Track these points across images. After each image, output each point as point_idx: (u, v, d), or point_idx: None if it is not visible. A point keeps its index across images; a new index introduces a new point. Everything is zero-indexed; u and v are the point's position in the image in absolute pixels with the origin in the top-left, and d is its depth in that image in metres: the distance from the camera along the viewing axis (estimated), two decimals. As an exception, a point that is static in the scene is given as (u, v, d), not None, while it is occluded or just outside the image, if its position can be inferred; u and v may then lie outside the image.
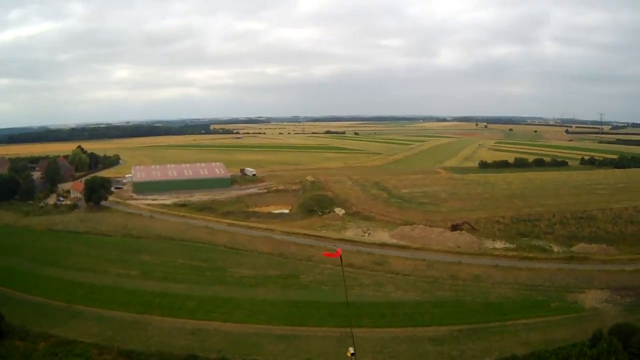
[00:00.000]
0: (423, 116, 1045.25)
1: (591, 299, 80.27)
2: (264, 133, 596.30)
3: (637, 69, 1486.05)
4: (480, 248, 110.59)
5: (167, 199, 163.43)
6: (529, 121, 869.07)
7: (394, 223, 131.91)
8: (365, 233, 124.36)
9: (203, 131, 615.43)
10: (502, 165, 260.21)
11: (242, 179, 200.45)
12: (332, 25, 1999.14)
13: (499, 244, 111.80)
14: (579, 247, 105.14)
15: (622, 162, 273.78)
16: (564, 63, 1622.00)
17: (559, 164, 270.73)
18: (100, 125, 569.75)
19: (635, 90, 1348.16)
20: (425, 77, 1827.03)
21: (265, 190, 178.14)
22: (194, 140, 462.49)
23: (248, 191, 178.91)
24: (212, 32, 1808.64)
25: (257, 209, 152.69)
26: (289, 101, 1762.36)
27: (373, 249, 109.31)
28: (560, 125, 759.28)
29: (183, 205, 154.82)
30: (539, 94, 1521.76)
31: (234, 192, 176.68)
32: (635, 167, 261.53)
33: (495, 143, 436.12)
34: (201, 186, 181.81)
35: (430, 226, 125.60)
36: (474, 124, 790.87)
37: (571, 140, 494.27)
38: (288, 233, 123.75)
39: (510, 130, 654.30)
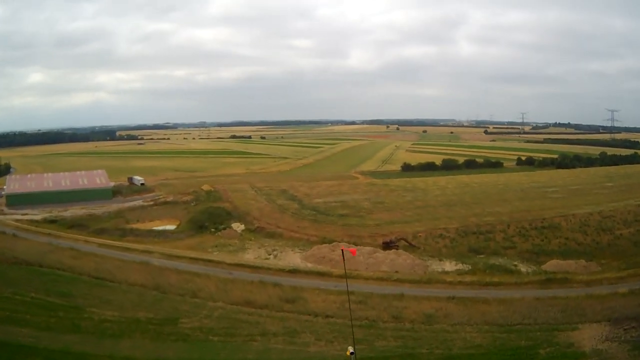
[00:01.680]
0: (331, 120, 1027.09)
1: (589, 337, 55.65)
2: (168, 138, 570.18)
3: (558, 68, 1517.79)
4: (425, 273, 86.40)
5: (38, 214, 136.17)
6: (441, 123, 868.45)
7: (307, 241, 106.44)
8: (270, 255, 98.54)
9: (108, 138, 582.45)
10: (428, 168, 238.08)
11: (128, 190, 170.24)
12: (241, 25, 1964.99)
13: (449, 266, 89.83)
14: (552, 265, 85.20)
15: (565, 162, 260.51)
16: (480, 63, 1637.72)
17: (493, 165, 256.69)
18: (9, 133, 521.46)
19: (556, 90, 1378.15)
20: (335, 79, 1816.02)
21: (152, 203, 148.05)
22: (96, 147, 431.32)
23: (131, 204, 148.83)
24: (121, 33, 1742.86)
25: (136, 226, 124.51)
26: (197, 107, 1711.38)
27: (281, 278, 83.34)
28: (475, 127, 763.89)
29: (53, 221, 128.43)
30: (452, 95, 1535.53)
31: (114, 205, 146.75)
32: (580, 166, 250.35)
33: (413, 144, 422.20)
34: (79, 198, 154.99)
35: (356, 244, 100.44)
36: (385, 126, 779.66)
37: (494, 141, 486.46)
38: (170, 256, 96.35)
39: (424, 132, 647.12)
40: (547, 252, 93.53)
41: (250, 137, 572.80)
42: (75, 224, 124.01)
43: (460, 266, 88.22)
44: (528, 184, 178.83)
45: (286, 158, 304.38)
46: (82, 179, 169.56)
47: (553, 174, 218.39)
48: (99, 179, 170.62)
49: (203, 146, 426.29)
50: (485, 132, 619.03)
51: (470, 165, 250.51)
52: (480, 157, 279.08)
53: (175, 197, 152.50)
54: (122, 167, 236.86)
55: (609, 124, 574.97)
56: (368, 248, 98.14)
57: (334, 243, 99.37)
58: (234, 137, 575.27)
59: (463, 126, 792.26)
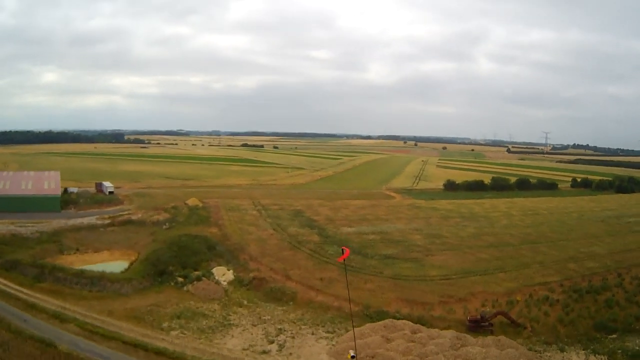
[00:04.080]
0: (347, 134, 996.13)
1: None
2: (176, 144, 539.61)
3: (575, 91, 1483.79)
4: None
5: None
6: (458, 141, 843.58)
7: (339, 312, 63.58)
8: (272, 343, 55.11)
9: (114, 140, 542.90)
10: (476, 187, 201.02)
11: (87, 199, 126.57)
12: (260, 33, 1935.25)
13: (578, 361, 55.96)
14: None
15: (624, 185, 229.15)
16: (497, 82, 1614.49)
17: (548, 186, 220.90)
18: (11, 131, 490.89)
19: (571, 113, 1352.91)
20: (352, 92, 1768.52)
21: (108, 221, 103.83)
22: (95, 148, 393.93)
23: (79, 220, 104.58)
24: (138, 34, 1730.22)
25: (70, 259, 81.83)
26: (211, 115, 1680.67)
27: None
28: (494, 145, 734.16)
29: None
30: (468, 114, 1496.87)
31: (55, 222, 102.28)
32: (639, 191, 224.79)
33: (440, 160, 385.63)
34: (19, 207, 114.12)
35: (423, 322, 58.82)
36: (402, 142, 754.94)
37: (522, 160, 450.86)
38: (92, 334, 55.36)
39: (444, 148, 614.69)
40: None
41: (262, 146, 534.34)
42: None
43: (594, 360, 56.19)
44: (602, 212, 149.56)
45: (301, 169, 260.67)
46: (27, 183, 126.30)
47: (618, 200, 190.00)
48: (48, 183, 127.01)
49: (210, 152, 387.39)
50: (508, 151, 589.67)
51: (523, 185, 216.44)
52: (513, 175, 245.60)
53: (144, 215, 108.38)
54: (106, 170, 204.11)
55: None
56: (448, 334, 53.66)
57: (388, 321, 54.66)
58: (245, 145, 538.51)
59: (480, 144, 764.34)
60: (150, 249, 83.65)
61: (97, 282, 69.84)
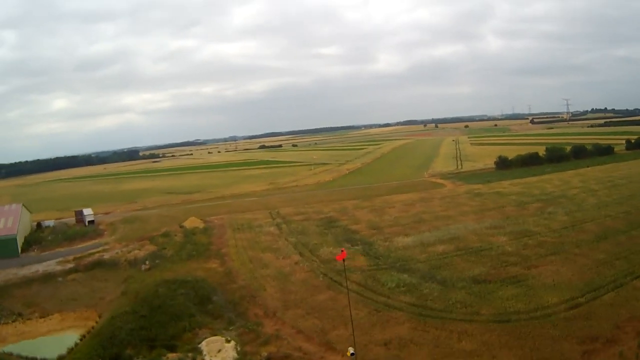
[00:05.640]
0: (364, 124, 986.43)
1: None
2: (191, 154, 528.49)
3: (585, 57, 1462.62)
4: None
5: None
6: (477, 119, 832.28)
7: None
8: None
9: (128, 158, 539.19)
10: (530, 162, 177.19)
11: (57, 235, 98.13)
12: (267, 37, 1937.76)
13: None
14: None
15: None
16: (507, 58, 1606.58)
17: (604, 151, 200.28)
18: (21, 162, 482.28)
19: (583, 79, 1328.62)
20: (364, 84, 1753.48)
21: (72, 265, 75.20)
22: (105, 169, 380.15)
23: (35, 269, 75.47)
24: (144, 52, 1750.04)
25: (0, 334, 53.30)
26: (226, 122, 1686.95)
27: None
28: (513, 118, 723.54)
29: None
30: (481, 92, 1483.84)
31: (4, 274, 73.34)
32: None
33: (471, 137, 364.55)
34: None
35: None
36: (422, 125, 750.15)
37: (551, 128, 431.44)
38: None
39: (466, 126, 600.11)
40: None
41: (280, 145, 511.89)
42: None
43: None
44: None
45: (325, 164, 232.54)
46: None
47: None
48: (5, 221, 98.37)
49: (224, 159, 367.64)
50: (532, 122, 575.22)
51: (579, 154, 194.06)
52: (560, 145, 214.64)
53: (121, 251, 79.93)
54: (104, 192, 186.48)
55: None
56: None
57: None
58: (262, 147, 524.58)
59: (498, 119, 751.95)
60: (112, 311, 53.67)
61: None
